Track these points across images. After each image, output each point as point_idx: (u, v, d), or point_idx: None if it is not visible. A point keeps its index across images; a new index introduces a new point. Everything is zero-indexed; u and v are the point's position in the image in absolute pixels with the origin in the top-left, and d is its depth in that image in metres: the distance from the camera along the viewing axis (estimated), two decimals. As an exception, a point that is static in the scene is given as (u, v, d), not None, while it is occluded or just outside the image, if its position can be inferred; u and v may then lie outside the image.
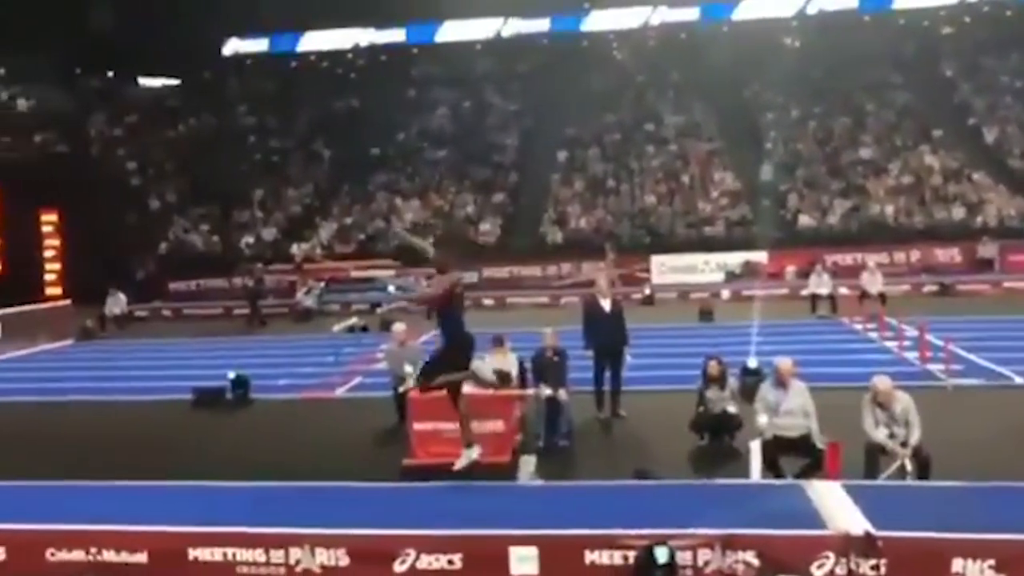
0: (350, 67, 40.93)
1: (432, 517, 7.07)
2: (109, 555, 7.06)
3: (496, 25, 39.30)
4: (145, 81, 39.98)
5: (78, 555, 7.08)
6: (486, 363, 10.45)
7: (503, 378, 10.07)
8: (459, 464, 8.07)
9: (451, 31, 39.21)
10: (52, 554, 7.11)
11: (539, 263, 28.74)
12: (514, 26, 39.35)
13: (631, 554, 6.33)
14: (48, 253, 30.77)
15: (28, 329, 21.49)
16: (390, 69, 39.72)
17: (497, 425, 9.61)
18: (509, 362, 10.49)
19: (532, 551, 6.52)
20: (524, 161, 34.57)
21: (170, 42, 36.11)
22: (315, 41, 40.05)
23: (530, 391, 10.29)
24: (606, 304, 11.34)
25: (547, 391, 10.11)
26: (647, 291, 24.28)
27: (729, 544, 6.30)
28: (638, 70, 38.46)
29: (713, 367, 9.77)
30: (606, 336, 11.11)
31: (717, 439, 9.65)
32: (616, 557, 6.39)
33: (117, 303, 23.46)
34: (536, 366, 10.45)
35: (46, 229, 30.77)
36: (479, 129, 36.33)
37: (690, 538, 6.34)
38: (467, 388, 10.17)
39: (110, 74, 39.43)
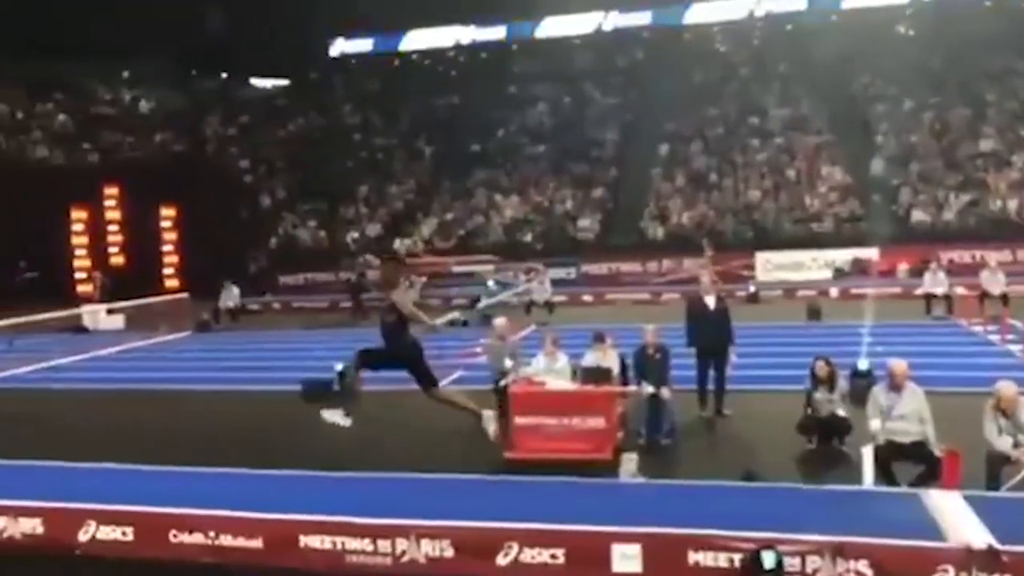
0: (451, 65, 41.42)
1: (534, 511, 7.10)
2: (226, 539, 7.34)
3: (596, 20, 39.10)
4: (256, 82, 41.45)
5: (198, 538, 7.39)
6: (586, 359, 10.48)
7: (603, 375, 10.05)
8: (491, 430, 8.59)
9: (551, 27, 39.21)
10: (174, 536, 7.44)
11: (639, 259, 28.48)
12: (614, 20, 39.06)
13: (737, 557, 6.23)
14: (166, 248, 32.28)
15: (149, 320, 22.55)
16: (490, 66, 40.02)
17: (598, 422, 9.60)
18: (610, 358, 10.42)
19: (635, 549, 6.49)
20: (624, 156, 34.30)
21: (279, 44, 37.36)
22: (417, 40, 40.70)
23: (632, 388, 10.22)
24: (711, 301, 11.16)
25: (649, 388, 10.01)
26: (752, 289, 23.74)
27: (840, 552, 6.10)
28: (742, 62, 37.64)
29: (821, 368, 9.48)
30: (710, 334, 10.92)
31: (826, 442, 9.36)
32: (721, 559, 6.29)
33: (231, 296, 24.39)
34: (638, 363, 10.36)
35: (165, 224, 32.30)
36: (578, 124, 36.23)
37: (799, 544, 6.18)
38: (566, 384, 10.25)
39: (224, 76, 41.02)
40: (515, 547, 6.76)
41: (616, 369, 10.26)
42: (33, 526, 7.72)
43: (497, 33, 40.20)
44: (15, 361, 17.10)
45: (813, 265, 26.70)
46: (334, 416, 8.49)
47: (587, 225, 30.72)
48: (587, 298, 25.26)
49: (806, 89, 34.79)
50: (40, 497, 7.91)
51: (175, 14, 35.46)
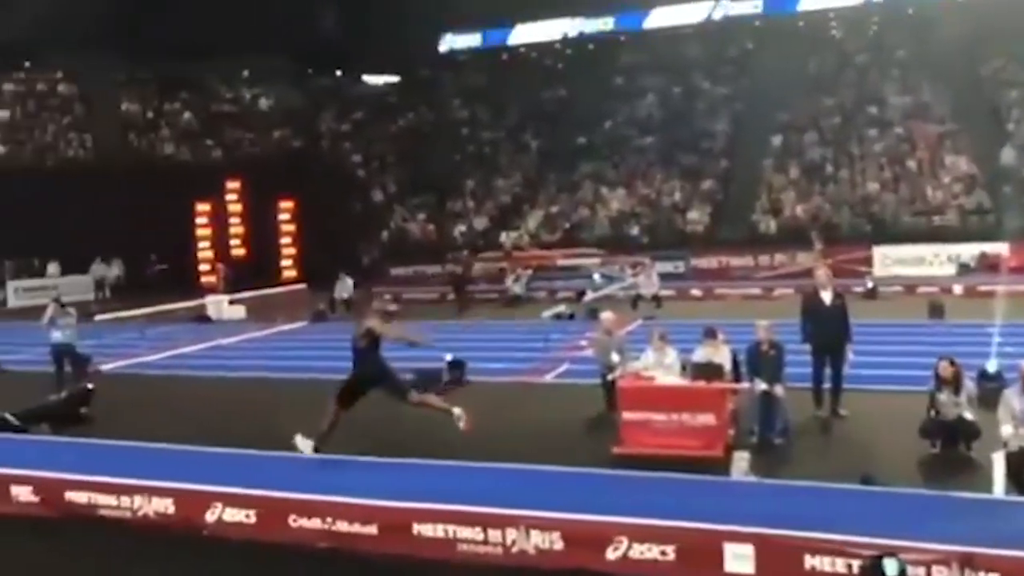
0: (558, 58, 41.36)
1: (644, 507, 7.07)
2: (342, 525, 7.57)
3: (706, 9, 38.31)
4: (369, 79, 42.41)
5: (315, 523, 7.65)
6: (697, 354, 10.34)
7: (714, 370, 9.89)
8: (461, 425, 8.86)
9: (659, 17, 38.62)
10: (294, 520, 7.73)
11: (750, 253, 27.84)
12: (725, 9, 38.18)
13: (856, 563, 6.03)
14: (284, 240, 33.48)
15: (268, 310, 23.45)
16: (598, 58, 39.76)
17: (709, 419, 9.48)
18: (722, 354, 10.23)
19: (748, 549, 6.39)
20: (735, 147, 33.57)
21: (391, 42, 38.11)
22: (525, 34, 40.80)
23: (744, 385, 10.02)
24: (827, 297, 10.84)
25: (762, 385, 9.80)
26: (869, 284, 22.87)
27: (969, 563, 5.82)
28: (859, 49, 36.20)
29: (945, 369, 9.08)
30: (826, 331, 10.60)
31: (951, 447, 8.96)
32: (839, 565, 6.11)
33: (345, 287, 25.08)
34: (750, 359, 10.14)
35: (283, 218, 33.51)
36: (688, 115, 35.64)
37: (923, 552, 5.93)
38: (675, 380, 10.14)
39: (338, 74, 42.15)
40: (625, 542, 6.76)
41: (728, 365, 10.07)
42: (165, 506, 8.17)
43: (605, 25, 39.89)
44: (146, 349, 18.08)
45: (935, 260, 25.51)
46: (305, 445, 9.05)
47: (696, 218, 30.23)
48: (696, 293, 24.86)
49: (928, 75, 33.19)
50: (172, 478, 8.36)
51: (292, 14, 36.66)
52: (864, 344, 11.60)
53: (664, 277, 23.37)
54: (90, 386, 12.86)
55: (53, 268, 30.84)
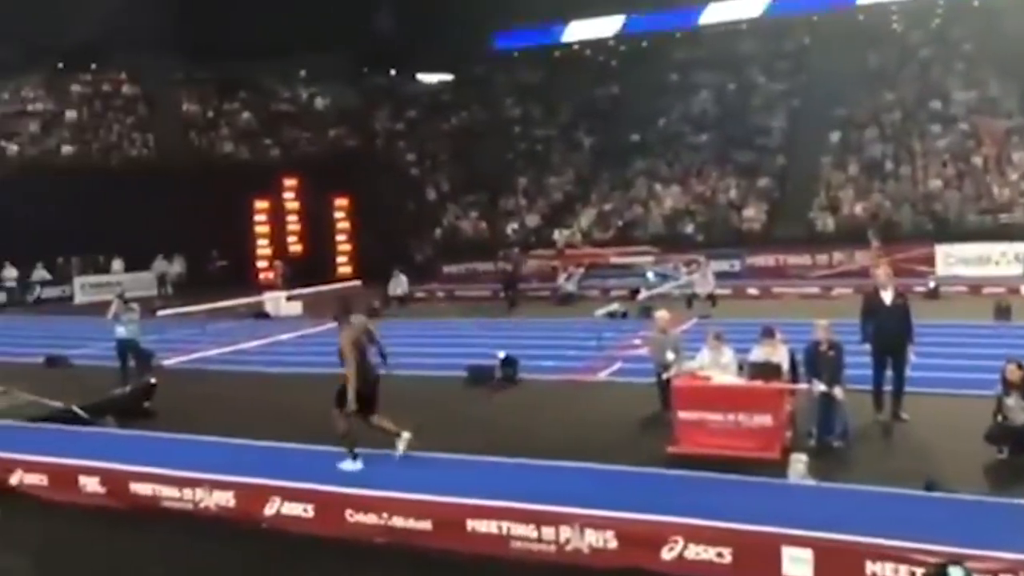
0: (612, 54, 41.12)
1: (700, 507, 7.01)
2: (397, 520, 7.65)
3: (762, 4, 37.72)
4: (423, 77, 42.67)
5: (371, 518, 7.75)
6: (754, 354, 10.20)
7: (772, 371, 9.76)
8: (400, 448, 8.70)
9: (714, 13, 38.14)
10: (350, 515, 7.84)
11: (808, 251, 27.34)
12: (782, 4, 37.54)
13: (919, 571, 5.89)
14: (340, 237, 33.98)
15: (324, 307, 23.72)
16: (651, 55, 39.43)
17: (766, 419, 9.36)
18: (779, 354, 10.07)
19: (807, 553, 6.30)
20: (792, 144, 33.01)
21: (444, 40, 38.28)
22: (578, 31, 40.64)
23: (802, 386, 9.87)
24: (887, 296, 10.60)
25: (821, 387, 9.63)
26: (931, 284, 22.33)
27: (1038, 571, 5.68)
28: (922, 43, 35.30)
29: (1014, 372, 8.83)
30: (887, 331, 10.38)
31: (1019, 453, 8.71)
32: (902, 572, 5.99)
33: (399, 284, 25.35)
34: (809, 360, 9.97)
35: (338, 215, 34.00)
36: (743, 112, 35.15)
37: (991, 561, 5.78)
38: (732, 380, 10.02)
39: (392, 73, 42.50)
40: (680, 542, 6.72)
41: (786, 365, 9.92)
42: (226, 498, 8.35)
43: (659, 21, 39.55)
44: (207, 344, 18.47)
45: (1002, 260, 24.75)
46: (348, 465, 8.82)
47: (752, 216, 29.82)
48: (752, 291, 24.53)
49: (994, 69, 32.21)
50: (232, 472, 8.54)
51: (348, 14, 37.08)
52: (927, 346, 11.36)
53: (719, 275, 23.14)
54: (153, 381, 13.20)
55: (117, 265, 31.69)
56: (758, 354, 10.10)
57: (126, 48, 34.49)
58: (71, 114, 35.09)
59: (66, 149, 33.60)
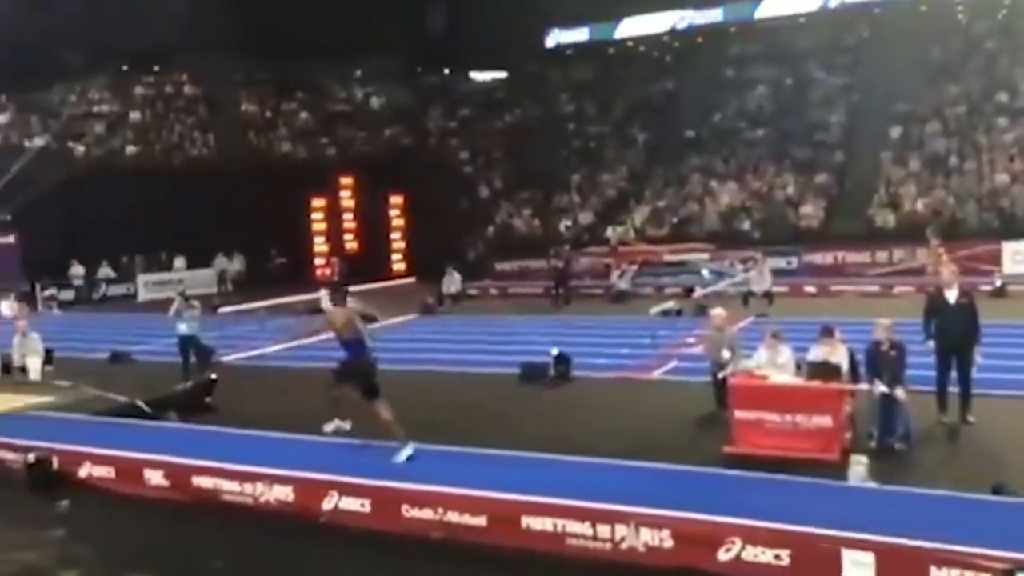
0: (666, 50, 40.79)
1: (757, 508, 6.92)
2: (453, 516, 7.68)
3: (820, -3, 37.06)
4: (476, 76, 42.83)
5: (427, 514, 7.79)
6: (812, 353, 10.04)
7: (831, 371, 9.59)
8: (402, 456, 8.75)
9: (771, 7, 37.56)
10: (406, 510, 7.90)
11: (867, 248, 26.79)
12: (841, -4, 36.82)
13: (987, 577, 5.76)
14: (394, 235, 34.33)
15: (379, 303, 23.96)
16: (706, 50, 38.99)
17: (825, 420, 9.21)
18: (839, 354, 9.88)
19: (868, 557, 6.17)
20: (851, 139, 32.39)
21: (498, 38, 38.38)
22: (632, 27, 40.39)
23: (863, 386, 9.67)
24: (952, 295, 10.34)
25: (882, 387, 9.43)
26: (997, 283, 21.71)
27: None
28: (987, 34, 34.30)
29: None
30: (952, 331, 10.12)
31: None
32: (968, 578, 5.85)
33: (453, 282, 25.49)
34: (869, 359, 9.76)
35: (393, 213, 34.35)
36: (801, 107, 34.57)
37: (1064, 568, 5.62)
38: (790, 379, 9.88)
39: (446, 72, 42.74)
40: (738, 543, 6.64)
41: (845, 365, 9.73)
42: (285, 493, 8.49)
43: (714, 16, 39.08)
44: (266, 340, 18.78)
45: (1073, 257, 24.01)
46: (333, 426, 9.56)
47: (810, 212, 29.32)
48: (809, 289, 24.14)
49: (1065, 61, 31.21)
50: (291, 467, 8.68)
51: (402, 15, 37.42)
52: (993, 346, 11.06)
53: (776, 273, 22.79)
54: (214, 376, 13.49)
55: (179, 262, 32.38)
56: (817, 354, 9.93)
57: (187, 50, 35.27)
58: (135, 115, 36.00)
59: (130, 150, 34.47)
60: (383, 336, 19.90)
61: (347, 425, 9.74)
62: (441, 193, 34.06)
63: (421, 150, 37.33)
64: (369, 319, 9.85)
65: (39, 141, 31.57)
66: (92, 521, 8.64)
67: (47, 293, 28.11)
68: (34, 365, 14.12)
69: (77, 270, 30.60)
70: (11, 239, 27.82)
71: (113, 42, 31.83)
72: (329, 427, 9.67)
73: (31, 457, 9.50)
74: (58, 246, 29.11)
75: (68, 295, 29.54)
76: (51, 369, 14.36)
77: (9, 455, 9.88)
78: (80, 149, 33.08)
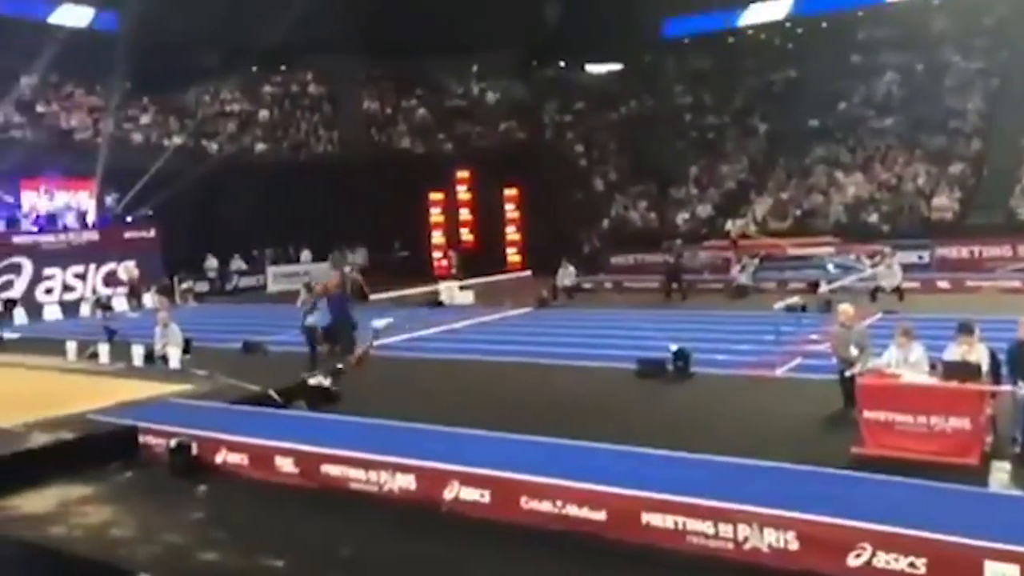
0: (788, 37, 39.54)
1: (890, 513, 6.65)
2: (571, 509, 7.70)
3: (957, -24, 35.08)
4: (592, 68, 42.60)
5: (546, 506, 7.83)
6: (949, 352, 9.57)
7: (970, 370, 9.10)
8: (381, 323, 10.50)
9: (903, -12, 35.87)
10: (525, 502, 7.95)
11: (1008, 241, 25.25)
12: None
13: None
14: (510, 228, 34.60)
15: (495, 296, 24.30)
16: (832, 36, 37.53)
17: (962, 423, 8.77)
18: (978, 353, 9.36)
19: (1014, 570, 5.85)
20: (989, 127, 30.56)
21: (613, 31, 38.04)
22: (753, 15, 39.31)
23: (1005, 387, 9.15)
24: (1106, 293, 9.65)
25: (1026, 389, 8.92)
26: None
27: None
28: None
29: None
30: (1106, 330, 9.44)
31: None
32: (1123, 594, 5.47)
33: (568, 275, 25.52)
34: (1012, 359, 9.20)
35: (508, 207, 34.63)
36: (934, 93, 32.85)
37: None
38: (924, 379, 9.44)
39: (561, 65, 42.70)
40: (868, 549, 6.41)
41: (985, 365, 9.22)
42: (408, 482, 8.69)
43: (840, 0, 37.59)
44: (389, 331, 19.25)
45: None
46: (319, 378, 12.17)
47: (943, 204, 27.86)
48: (943, 284, 23.00)
49: None
50: (414, 456, 8.87)
51: (517, 10, 37.65)
52: None
53: (906, 267, 21.86)
54: (339, 366, 13.95)
55: (306, 255, 33.61)
56: (954, 352, 9.45)
57: (312, 50, 36.58)
58: (264, 113, 37.58)
59: (259, 147, 36.02)
60: (500, 328, 20.26)
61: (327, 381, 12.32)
62: (556, 186, 34.09)
63: (536, 144, 37.43)
64: (359, 293, 10.60)
65: (176, 140, 33.35)
66: (228, 506, 9.05)
67: (184, 285, 29.60)
68: (174, 354, 14.94)
69: (211, 263, 32.15)
70: (152, 234, 29.45)
71: (244, 44, 33.30)
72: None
73: (173, 443, 10.06)
74: (194, 240, 30.64)
75: (203, 287, 31.04)
76: (189, 358, 15.14)
77: (154, 440, 10.48)
78: (213, 147, 34.74)
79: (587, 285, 27.20)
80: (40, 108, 32.19)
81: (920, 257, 25.45)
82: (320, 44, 35.33)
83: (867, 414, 9.27)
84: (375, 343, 16.35)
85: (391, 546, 7.83)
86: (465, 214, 35.34)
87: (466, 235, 35.15)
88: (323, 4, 30.68)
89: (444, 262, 33.61)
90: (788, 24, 39.03)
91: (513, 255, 34.28)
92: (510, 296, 23.86)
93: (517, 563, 7.40)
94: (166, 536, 8.16)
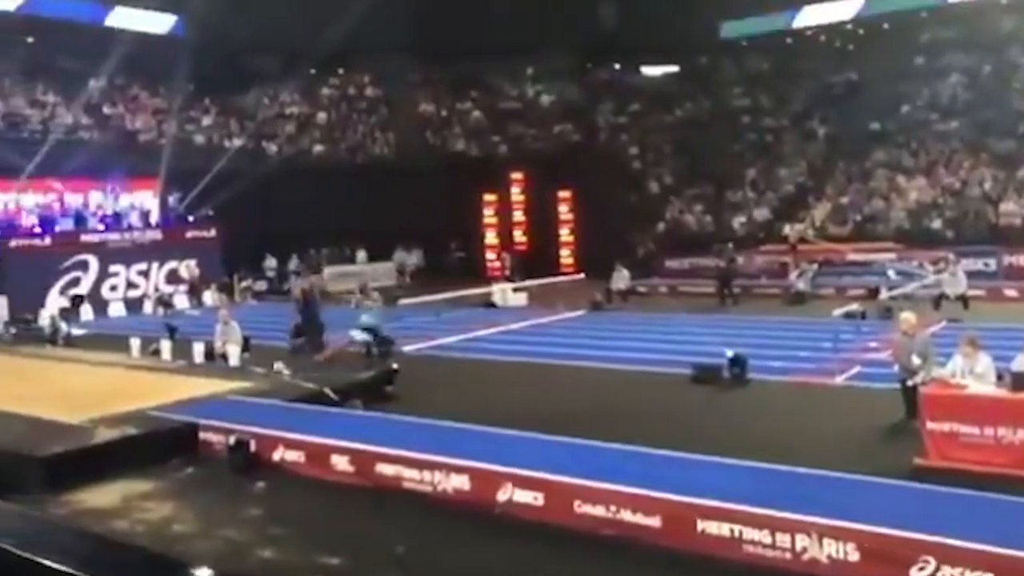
0: (849, 38, 38.77)
1: (955, 526, 6.50)
2: (626, 515, 7.67)
3: (1028, -25, 34.06)
4: (647, 70, 42.30)
5: (599, 510, 7.81)
6: (1018, 363, 9.29)
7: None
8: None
9: (970, -12, 34.93)
10: (579, 505, 7.95)
11: (1079, 249, 24.48)
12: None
13: None
14: (563, 231, 34.54)
15: (548, 298, 24.27)
16: (894, 37, 36.70)
17: (1030, 435, 8.50)
18: (1048, 365, 9.14)
19: (1084, 587, 5.67)
20: (1061, 129, 29.64)
21: (670, 32, 37.74)
22: (812, 16, 38.65)
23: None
24: None
25: (1100, 403, 8.62)
26: None
27: None
28: None
29: None
30: None
31: None
32: None
33: (622, 278, 25.38)
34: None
35: (562, 209, 34.58)
36: (1001, 96, 31.89)
37: None
38: (991, 390, 9.18)
39: (616, 67, 42.49)
40: (932, 563, 6.27)
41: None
42: (462, 482, 8.74)
43: (903, 1, 36.75)
44: (443, 331, 19.39)
45: None
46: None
47: (1011, 210, 27.02)
48: (1011, 293, 22.29)
49: None
50: (469, 457, 8.92)
51: (572, 11, 37.55)
52: None
53: (972, 275, 21.30)
54: (395, 366, 14.08)
55: (361, 255, 33.97)
56: (1022, 361, 9.19)
57: (368, 53, 36.96)
58: (322, 116, 38.08)
59: (317, 148, 36.52)
60: (553, 330, 20.24)
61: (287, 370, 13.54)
62: (610, 189, 33.90)
63: (590, 146, 37.29)
64: (319, 292, 11.83)
65: (237, 141, 33.99)
66: (285, 503, 9.18)
67: (244, 284, 30.12)
68: (234, 352, 15.23)
69: (270, 262, 32.67)
70: (213, 233, 30.04)
71: (302, 47, 33.82)
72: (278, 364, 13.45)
73: (232, 440, 10.26)
74: (253, 239, 31.16)
75: (261, 286, 31.54)
76: (248, 356, 15.41)
77: (214, 437, 10.70)
78: (272, 148, 35.31)
79: (641, 289, 26.97)
80: (107, 110, 33.07)
81: (986, 264, 24.72)
82: (376, 47, 35.70)
83: (931, 425, 9.06)
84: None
85: (445, 547, 7.87)
86: (519, 216, 35.35)
87: (520, 237, 35.16)
88: (379, 8, 30.97)
89: (497, 264, 33.66)
90: (849, 26, 38.30)
91: (566, 257, 34.18)
92: (563, 298, 23.80)
93: (570, 567, 7.39)
94: (225, 532, 8.32)
